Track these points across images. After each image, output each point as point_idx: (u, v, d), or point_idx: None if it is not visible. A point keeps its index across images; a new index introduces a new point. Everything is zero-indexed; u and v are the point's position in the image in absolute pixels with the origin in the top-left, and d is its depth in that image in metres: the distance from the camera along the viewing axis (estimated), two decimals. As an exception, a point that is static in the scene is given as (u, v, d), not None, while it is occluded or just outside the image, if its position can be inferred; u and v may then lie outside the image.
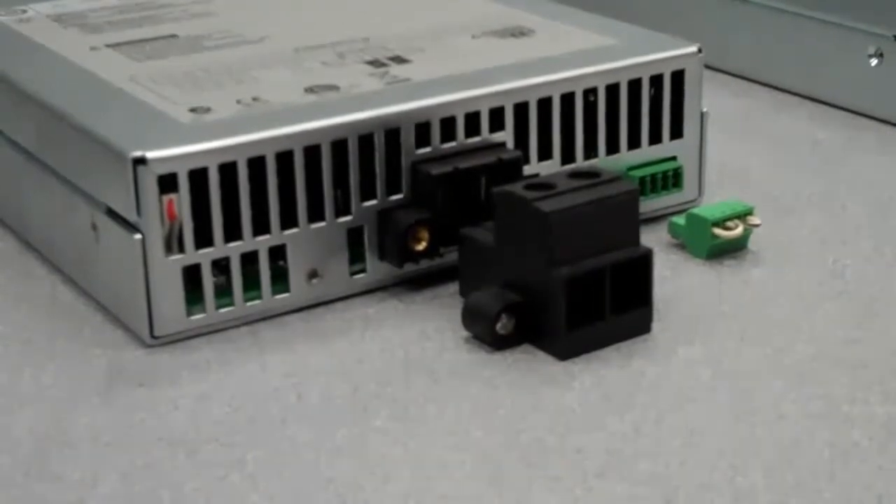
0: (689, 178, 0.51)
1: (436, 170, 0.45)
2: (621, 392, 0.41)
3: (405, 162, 0.46)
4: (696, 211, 0.48)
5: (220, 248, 0.43)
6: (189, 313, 0.44)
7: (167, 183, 0.42)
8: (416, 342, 0.44)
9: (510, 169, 0.46)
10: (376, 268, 0.46)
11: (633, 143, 0.50)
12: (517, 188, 0.43)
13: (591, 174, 0.44)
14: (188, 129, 0.44)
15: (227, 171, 0.43)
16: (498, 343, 0.42)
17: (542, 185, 0.43)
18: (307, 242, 0.45)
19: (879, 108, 0.61)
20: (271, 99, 0.46)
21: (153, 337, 0.43)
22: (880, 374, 0.41)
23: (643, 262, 0.43)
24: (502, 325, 0.42)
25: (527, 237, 0.42)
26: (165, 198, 0.42)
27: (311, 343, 0.44)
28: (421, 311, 0.45)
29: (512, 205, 0.42)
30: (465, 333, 0.44)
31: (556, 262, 0.41)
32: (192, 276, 0.43)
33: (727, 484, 0.36)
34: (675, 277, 0.47)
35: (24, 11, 0.57)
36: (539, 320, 0.42)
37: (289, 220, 0.44)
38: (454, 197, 0.46)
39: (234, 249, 0.44)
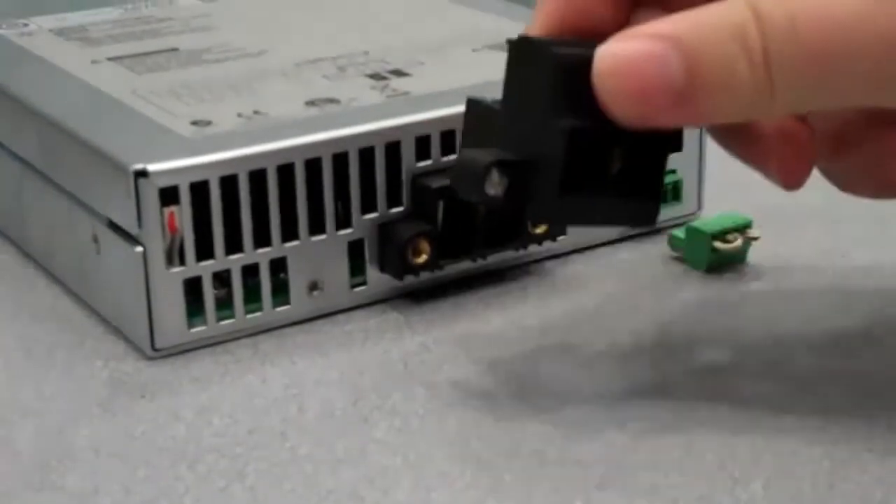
0: (688, 190, 0.52)
1: (436, 183, 0.45)
2: (622, 403, 0.41)
3: (405, 175, 0.46)
4: (695, 224, 0.49)
5: (221, 260, 0.43)
6: (190, 325, 0.44)
7: (168, 195, 0.42)
8: (416, 354, 0.44)
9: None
10: (377, 280, 0.46)
11: (633, 156, 0.50)
12: (535, 37, 0.39)
13: None
14: (189, 142, 0.44)
15: (228, 183, 0.43)
16: (488, 203, 0.38)
17: (566, 42, 0.38)
18: (308, 255, 0.45)
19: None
20: (272, 112, 0.46)
21: (154, 349, 0.43)
22: (880, 386, 0.41)
23: (661, 145, 0.39)
24: (492, 183, 0.38)
25: (532, 88, 0.38)
26: (167, 210, 0.42)
27: (312, 355, 0.44)
28: (421, 323, 0.45)
29: (522, 53, 0.38)
30: (464, 346, 0.44)
31: (559, 113, 0.37)
32: (193, 288, 0.43)
33: (727, 495, 0.36)
34: (674, 290, 0.47)
35: (26, 25, 0.58)
36: (534, 182, 0.38)
37: (289, 233, 0.44)
38: (454, 210, 0.46)
39: (235, 262, 0.44)
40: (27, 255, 0.51)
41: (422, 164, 0.46)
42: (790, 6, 0.35)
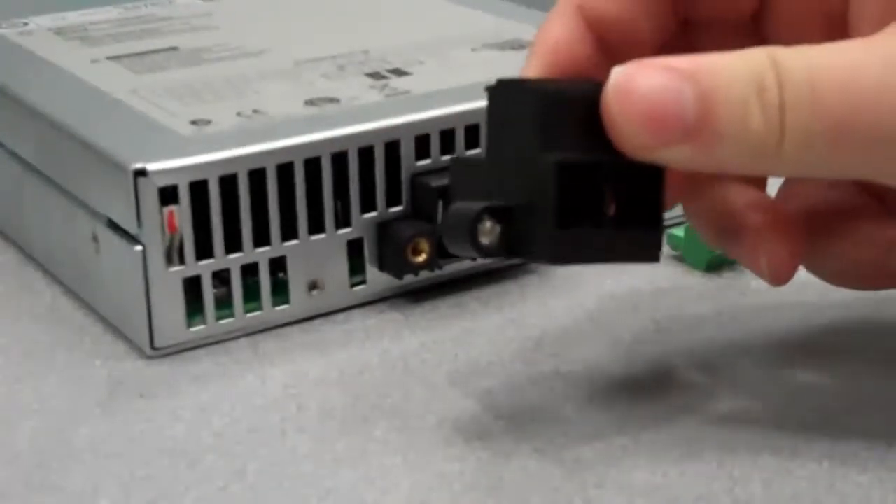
0: (687, 190, 0.52)
1: (435, 182, 0.45)
2: (620, 402, 0.41)
3: (405, 174, 0.46)
4: (694, 223, 0.49)
5: (221, 259, 0.43)
6: (189, 325, 0.44)
7: (168, 195, 0.42)
8: (415, 354, 0.44)
9: (509, 181, 0.46)
10: (376, 279, 0.46)
11: (632, 155, 0.50)
12: (511, 77, 0.37)
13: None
14: (189, 141, 0.44)
15: (228, 182, 0.43)
16: (482, 253, 0.36)
17: (543, 82, 0.38)
18: (307, 254, 0.45)
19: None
20: (272, 111, 0.46)
21: (153, 348, 0.43)
22: (880, 386, 0.41)
23: (653, 174, 0.36)
24: (484, 232, 0.36)
25: (517, 130, 0.36)
26: (166, 209, 0.42)
27: (311, 354, 0.44)
28: (421, 322, 0.46)
29: (502, 96, 0.37)
30: (464, 346, 0.44)
31: (548, 147, 0.35)
32: (192, 287, 0.43)
33: (726, 494, 0.36)
34: (673, 289, 0.47)
35: (25, 24, 0.58)
36: (528, 225, 0.36)
37: (289, 232, 0.44)
38: (454, 209, 0.46)
39: (235, 261, 0.44)
40: (26, 255, 0.51)
41: (421, 163, 0.46)
42: (811, 62, 0.34)
